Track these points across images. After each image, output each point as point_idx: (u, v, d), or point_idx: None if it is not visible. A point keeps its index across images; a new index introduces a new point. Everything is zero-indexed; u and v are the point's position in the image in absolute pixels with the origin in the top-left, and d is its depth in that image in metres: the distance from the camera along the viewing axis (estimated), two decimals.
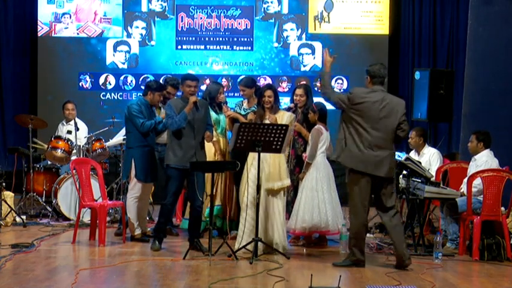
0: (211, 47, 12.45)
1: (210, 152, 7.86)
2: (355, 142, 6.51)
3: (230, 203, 8.00)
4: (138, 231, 7.75)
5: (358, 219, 6.62)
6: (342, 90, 12.41)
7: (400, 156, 7.72)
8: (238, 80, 9.75)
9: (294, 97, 7.99)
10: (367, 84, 6.70)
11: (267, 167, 7.15)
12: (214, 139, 7.90)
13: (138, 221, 7.75)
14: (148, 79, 11.70)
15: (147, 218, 8.38)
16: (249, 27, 12.46)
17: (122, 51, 12.44)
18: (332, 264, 6.70)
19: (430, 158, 8.42)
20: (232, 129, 7.54)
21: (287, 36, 12.50)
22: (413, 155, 8.55)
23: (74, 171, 7.96)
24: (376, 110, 6.52)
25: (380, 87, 6.66)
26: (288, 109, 7.83)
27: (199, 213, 7.28)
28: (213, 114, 8.01)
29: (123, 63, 12.44)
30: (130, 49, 12.44)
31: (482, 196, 7.30)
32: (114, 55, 12.44)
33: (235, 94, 11.73)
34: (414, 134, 8.55)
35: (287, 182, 7.27)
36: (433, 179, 7.58)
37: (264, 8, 12.49)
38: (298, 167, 7.84)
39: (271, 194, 7.21)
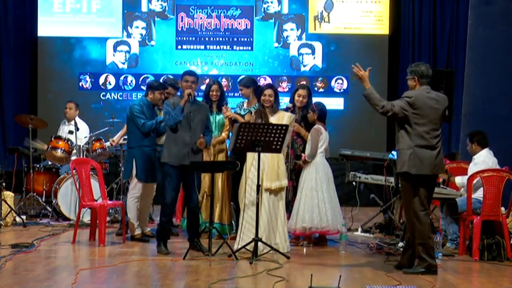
0: (211, 47, 12.46)
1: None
2: (421, 147, 6.28)
3: (227, 207, 7.99)
4: (138, 231, 7.75)
5: (422, 224, 6.33)
6: (342, 91, 12.43)
7: None
8: (238, 80, 9.75)
9: (296, 97, 7.94)
10: (415, 86, 6.43)
11: (265, 167, 7.14)
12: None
13: (139, 221, 7.75)
14: (148, 79, 11.72)
15: (147, 219, 8.37)
16: (249, 27, 12.46)
17: (122, 51, 12.44)
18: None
19: None
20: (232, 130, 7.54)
21: (287, 36, 12.50)
22: None
23: (74, 171, 7.96)
24: (434, 109, 6.36)
25: (428, 87, 6.46)
26: (286, 109, 7.80)
27: (197, 214, 7.26)
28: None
29: (123, 63, 12.45)
30: (130, 49, 12.44)
31: (482, 196, 7.30)
32: (114, 55, 12.45)
33: (235, 94, 11.74)
34: None
35: (285, 182, 7.25)
36: None
37: (264, 8, 12.50)
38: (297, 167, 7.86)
39: (271, 193, 7.21)
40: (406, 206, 6.43)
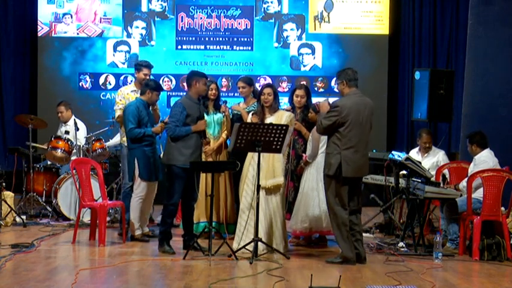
0: (211, 47, 12.46)
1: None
2: (349, 151, 6.65)
3: (226, 207, 7.98)
4: (138, 232, 7.75)
5: (342, 218, 6.71)
6: None
7: (400, 156, 7.74)
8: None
9: (294, 97, 7.92)
10: (344, 89, 6.85)
11: (262, 165, 7.11)
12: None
13: (140, 222, 7.74)
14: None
15: (148, 219, 8.35)
16: (249, 27, 12.46)
17: (122, 51, 12.44)
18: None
19: (438, 159, 8.52)
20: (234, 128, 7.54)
21: (287, 36, 12.50)
22: (414, 155, 8.55)
23: (74, 171, 7.96)
24: (360, 114, 6.73)
25: (357, 90, 6.83)
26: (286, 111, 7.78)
27: (193, 210, 7.41)
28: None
29: (123, 63, 12.44)
30: (130, 49, 12.44)
31: (482, 196, 7.30)
32: (114, 55, 12.44)
33: (235, 94, 11.73)
34: (428, 137, 8.60)
35: (280, 179, 7.23)
36: (433, 179, 7.58)
37: (264, 8, 12.49)
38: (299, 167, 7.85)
39: (270, 192, 7.20)
40: (328, 200, 6.80)
